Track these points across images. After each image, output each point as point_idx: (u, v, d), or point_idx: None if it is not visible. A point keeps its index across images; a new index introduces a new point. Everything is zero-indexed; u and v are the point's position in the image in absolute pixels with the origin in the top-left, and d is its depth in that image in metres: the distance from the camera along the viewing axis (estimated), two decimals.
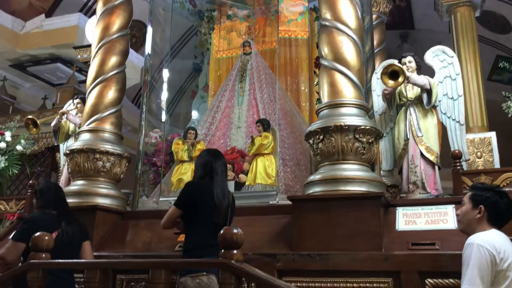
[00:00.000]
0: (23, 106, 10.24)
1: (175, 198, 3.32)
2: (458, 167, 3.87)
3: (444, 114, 4.33)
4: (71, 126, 5.81)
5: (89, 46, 6.62)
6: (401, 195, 4.35)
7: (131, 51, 6.26)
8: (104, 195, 4.49)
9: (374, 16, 6.29)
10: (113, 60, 4.87)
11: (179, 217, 3.27)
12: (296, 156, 5.69)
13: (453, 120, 4.29)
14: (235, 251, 2.57)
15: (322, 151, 3.77)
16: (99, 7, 5.07)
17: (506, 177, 3.77)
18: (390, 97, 4.47)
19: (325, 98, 3.96)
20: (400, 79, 4.12)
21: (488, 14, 8.49)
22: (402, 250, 3.31)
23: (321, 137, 3.76)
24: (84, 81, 5.55)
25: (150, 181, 6.11)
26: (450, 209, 3.53)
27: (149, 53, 5.92)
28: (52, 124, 5.88)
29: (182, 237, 3.71)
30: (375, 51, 6.07)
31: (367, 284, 3.26)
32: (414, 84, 4.29)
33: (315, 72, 6.10)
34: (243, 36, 6.97)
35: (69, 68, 9.65)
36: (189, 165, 5.66)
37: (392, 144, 4.52)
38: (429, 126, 4.26)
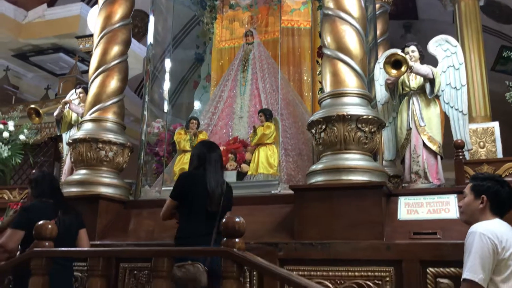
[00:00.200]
0: (25, 96, 10.26)
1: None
2: (461, 157, 3.86)
3: (447, 103, 4.31)
4: (74, 116, 5.82)
5: (92, 35, 6.59)
6: (403, 184, 4.36)
7: (133, 41, 6.24)
8: (106, 184, 4.51)
9: (377, 6, 6.25)
10: (115, 49, 4.86)
11: (175, 208, 3.33)
12: (298, 146, 5.69)
13: (456, 110, 4.27)
14: (237, 240, 2.58)
15: (324, 140, 3.77)
16: None
17: (508, 167, 3.76)
18: (393, 87, 4.46)
19: (327, 88, 3.95)
20: (403, 69, 4.11)
21: (492, 3, 8.43)
22: (404, 239, 3.32)
23: (323, 126, 3.75)
24: (87, 71, 5.55)
25: (152, 171, 6.13)
26: (452, 199, 3.53)
27: (151, 42, 5.90)
28: (55, 114, 5.89)
29: None
30: (378, 41, 6.04)
31: (369, 273, 3.27)
32: (417, 73, 4.28)
33: (317, 62, 6.08)
34: (246, 26, 6.94)
35: (71, 58, 9.65)
36: None
37: (394, 133, 4.51)
38: (432, 115, 4.25)
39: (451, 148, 4.06)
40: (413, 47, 4.43)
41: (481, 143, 5.39)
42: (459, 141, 3.98)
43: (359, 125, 3.68)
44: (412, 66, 4.21)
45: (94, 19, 5.69)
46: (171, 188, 3.39)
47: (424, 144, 4.20)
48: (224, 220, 2.62)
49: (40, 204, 3.46)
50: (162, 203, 3.46)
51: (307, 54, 6.46)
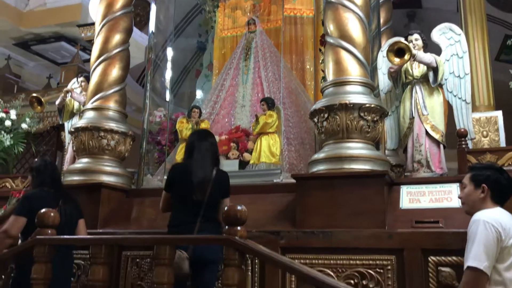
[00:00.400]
0: (27, 85, 10.25)
1: None
2: (464, 146, 3.85)
3: (450, 92, 4.29)
4: (76, 105, 5.81)
5: (93, 24, 6.56)
6: (405, 173, 4.35)
7: (135, 30, 6.22)
8: (109, 173, 4.51)
9: None
10: (117, 37, 4.83)
11: (170, 198, 3.40)
12: (300, 135, 5.68)
13: (459, 98, 4.25)
14: (239, 228, 2.58)
15: (327, 129, 3.75)
16: None
17: (511, 156, 3.74)
18: (396, 75, 4.43)
19: (330, 76, 3.93)
20: (406, 57, 4.08)
21: None
22: (406, 228, 3.32)
23: (326, 115, 3.74)
24: (88, 60, 5.53)
25: (154, 160, 6.13)
26: (454, 188, 3.52)
27: (153, 31, 5.87)
28: (57, 103, 5.89)
29: None
30: (382, 30, 5.98)
31: (370, 262, 3.28)
32: (420, 62, 4.25)
33: (320, 50, 6.03)
34: (248, 14, 6.90)
35: (73, 47, 9.62)
36: None
37: (397, 122, 4.50)
38: (435, 104, 4.23)
39: (454, 138, 4.05)
40: (416, 35, 4.39)
41: (484, 132, 5.36)
42: (462, 130, 3.96)
43: (362, 114, 3.67)
44: (416, 55, 4.18)
45: (95, 7, 5.66)
46: None
47: (427, 133, 4.19)
48: (226, 208, 2.63)
49: (41, 192, 3.47)
50: None
51: (310, 43, 6.43)
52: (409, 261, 3.17)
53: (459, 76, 4.27)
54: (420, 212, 3.44)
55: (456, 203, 3.38)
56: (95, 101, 4.71)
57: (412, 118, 4.27)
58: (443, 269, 3.09)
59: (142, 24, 9.58)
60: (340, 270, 3.33)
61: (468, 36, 5.79)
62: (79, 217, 3.60)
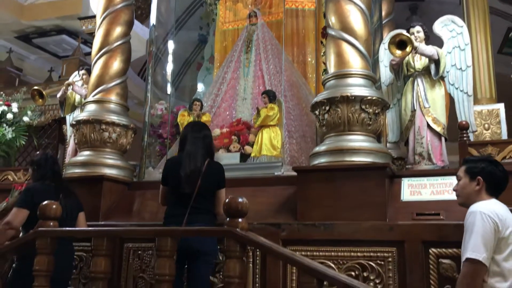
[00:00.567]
0: (29, 79, 10.25)
1: None
2: (465, 138, 3.84)
3: (452, 85, 4.28)
4: (77, 97, 5.82)
5: (94, 17, 6.55)
6: (407, 166, 4.35)
7: (136, 23, 6.21)
8: (110, 166, 4.52)
9: None
10: (118, 30, 4.83)
11: (166, 192, 3.48)
12: (302, 128, 5.67)
13: (461, 91, 4.24)
14: (240, 220, 2.60)
15: (328, 122, 3.75)
16: None
17: None
18: (397, 68, 4.42)
19: (331, 69, 3.92)
20: (408, 49, 4.07)
21: None
22: (407, 220, 3.32)
23: (327, 107, 3.74)
24: (90, 53, 5.52)
25: (156, 153, 6.13)
26: (455, 180, 3.50)
27: (154, 24, 5.86)
28: (58, 95, 5.89)
29: None
30: (383, 22, 5.96)
31: (371, 254, 3.29)
32: (422, 54, 4.24)
33: (322, 43, 6.02)
34: (249, 7, 6.87)
35: (74, 40, 9.62)
36: None
37: (399, 115, 4.49)
38: (437, 97, 4.22)
39: (455, 131, 4.04)
40: (418, 28, 4.38)
41: (486, 125, 5.35)
42: (464, 122, 3.95)
43: (363, 106, 3.66)
44: (417, 47, 4.17)
45: (96, 0, 5.65)
46: None
47: (429, 126, 4.18)
48: (227, 200, 2.64)
49: (42, 186, 3.50)
50: None
51: (311, 35, 6.41)
52: (410, 253, 3.18)
53: (461, 68, 4.26)
54: (421, 204, 3.44)
55: None
56: (96, 94, 4.71)
57: (413, 111, 4.26)
58: (444, 261, 3.10)
59: (143, 17, 9.54)
60: (341, 262, 3.35)
61: (470, 29, 5.77)
62: (79, 211, 3.63)
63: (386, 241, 3.27)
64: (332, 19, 3.96)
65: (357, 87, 3.72)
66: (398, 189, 3.64)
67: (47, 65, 10.40)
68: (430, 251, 3.15)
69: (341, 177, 3.56)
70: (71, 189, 3.68)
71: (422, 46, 4.22)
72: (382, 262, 3.25)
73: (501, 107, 5.47)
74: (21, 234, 3.45)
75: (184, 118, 5.83)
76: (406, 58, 4.32)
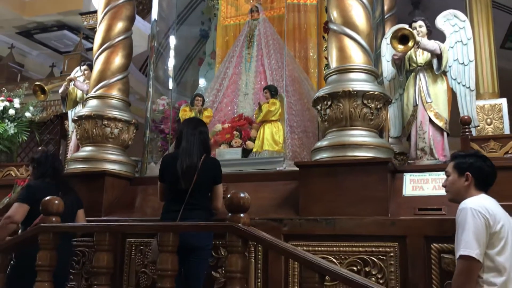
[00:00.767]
0: (31, 74, 10.24)
1: None
2: (467, 133, 3.83)
3: (454, 79, 4.26)
4: (79, 93, 5.82)
5: (96, 12, 6.54)
6: (409, 161, 4.35)
7: (138, 18, 6.20)
8: (112, 161, 4.52)
9: None
10: (119, 25, 4.82)
11: (164, 188, 3.50)
12: (303, 123, 5.67)
13: (463, 86, 4.22)
14: (241, 215, 2.60)
15: (330, 117, 3.75)
16: None
17: None
18: (399, 63, 4.41)
19: (333, 63, 3.91)
20: (410, 44, 4.05)
21: None
22: (409, 215, 3.32)
23: (329, 102, 3.73)
24: (91, 49, 5.53)
25: (158, 148, 6.14)
26: None
27: (156, 19, 5.86)
28: (60, 91, 5.90)
29: None
30: (386, 17, 5.95)
31: (373, 248, 3.29)
32: (424, 49, 4.22)
33: (324, 38, 6.01)
34: (251, 2, 6.85)
35: (76, 36, 9.60)
36: None
37: (401, 110, 4.48)
38: (439, 91, 4.21)
39: (457, 126, 4.03)
40: (420, 22, 4.36)
41: (488, 120, 5.34)
42: (466, 117, 3.94)
43: (365, 101, 3.66)
44: (419, 42, 4.15)
45: None
46: None
47: (431, 121, 4.17)
48: (228, 195, 2.64)
49: (42, 183, 3.54)
50: None
51: (313, 30, 6.39)
52: (412, 248, 3.18)
53: (463, 63, 4.24)
54: (423, 199, 3.44)
55: None
56: (98, 89, 4.71)
57: (415, 106, 4.25)
58: (445, 256, 3.10)
59: (145, 12, 9.53)
60: (343, 257, 3.35)
61: (473, 23, 5.75)
62: (78, 208, 3.66)
63: (388, 236, 3.27)
64: (334, 14, 3.95)
65: (359, 82, 3.71)
66: (400, 184, 3.64)
67: (49, 60, 10.40)
68: (432, 246, 3.14)
69: (343, 172, 3.56)
70: (71, 187, 3.71)
71: (424, 41, 4.21)
72: (384, 257, 3.26)
73: (503, 101, 5.46)
74: (20, 231, 3.47)
75: (186, 114, 5.82)
76: (408, 53, 4.31)
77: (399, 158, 5.08)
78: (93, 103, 4.68)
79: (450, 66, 4.26)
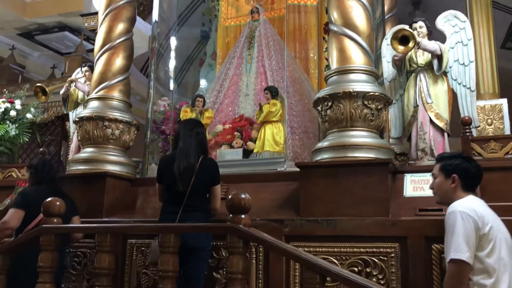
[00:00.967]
0: (32, 76, 10.27)
1: None
2: (468, 134, 3.84)
3: (455, 80, 4.26)
4: (80, 94, 5.83)
5: (96, 13, 6.56)
6: (409, 162, 4.35)
7: (138, 19, 6.21)
8: (113, 162, 4.53)
9: None
10: (120, 27, 4.83)
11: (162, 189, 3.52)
12: (304, 123, 5.68)
13: (464, 86, 4.23)
14: (243, 216, 2.61)
15: (331, 118, 3.75)
16: None
17: None
18: (400, 63, 4.41)
19: (334, 64, 3.92)
20: (411, 45, 4.06)
21: None
22: (410, 215, 3.33)
23: (330, 103, 3.73)
24: (92, 50, 5.53)
25: (159, 149, 6.14)
26: None
27: (157, 20, 5.86)
28: (61, 92, 5.91)
29: None
30: (386, 17, 5.96)
31: (374, 249, 3.29)
32: (425, 49, 4.23)
33: (324, 39, 6.02)
34: (252, 3, 6.86)
35: (77, 37, 9.62)
36: None
37: (401, 111, 4.48)
38: (439, 92, 4.22)
39: (458, 126, 4.04)
40: (421, 23, 4.36)
41: (489, 120, 5.35)
42: (467, 117, 3.94)
43: (366, 102, 3.66)
44: (420, 42, 4.16)
45: None
46: None
47: (431, 121, 4.18)
48: (230, 196, 2.65)
49: (38, 190, 3.56)
50: None
51: (314, 31, 6.40)
52: (413, 248, 3.18)
53: (463, 63, 4.25)
54: (424, 200, 3.43)
55: None
56: (99, 90, 4.72)
57: (416, 106, 4.25)
58: None
59: (146, 13, 9.55)
60: (344, 258, 3.35)
61: (473, 23, 5.76)
62: (74, 214, 3.67)
63: (389, 237, 3.27)
64: (334, 15, 3.95)
65: (360, 83, 3.71)
66: (400, 184, 3.64)
67: (50, 62, 10.42)
68: (432, 246, 3.14)
69: (343, 173, 3.56)
70: (67, 193, 3.72)
71: (425, 42, 4.21)
72: (385, 258, 3.26)
73: (504, 102, 5.47)
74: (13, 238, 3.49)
75: (187, 114, 5.82)
76: (409, 54, 4.31)
77: (400, 159, 5.08)
78: (94, 104, 4.69)
79: (450, 67, 4.26)
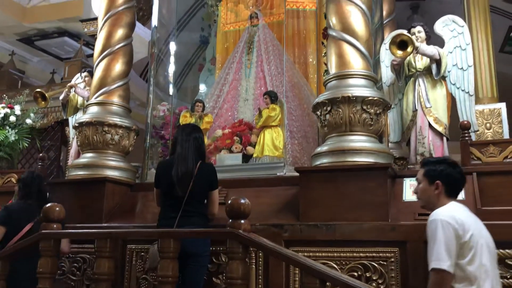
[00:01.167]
0: (31, 81, 10.28)
1: None
2: (467, 138, 3.84)
3: (454, 84, 4.28)
4: (80, 100, 5.84)
5: (96, 19, 6.57)
6: (408, 166, 4.36)
7: (138, 24, 6.23)
8: (113, 167, 4.53)
9: None
10: (119, 32, 4.84)
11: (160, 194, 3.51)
12: (303, 128, 5.69)
13: (463, 90, 4.25)
14: (242, 221, 2.61)
15: (330, 122, 3.76)
16: None
17: None
18: (398, 68, 4.43)
19: (332, 69, 3.93)
20: (409, 49, 4.07)
21: None
22: (409, 220, 3.32)
23: (329, 108, 3.74)
24: (92, 55, 5.55)
25: (158, 154, 6.15)
26: None
27: (156, 25, 5.88)
28: (61, 98, 5.92)
29: None
30: (384, 22, 5.98)
31: (374, 254, 3.29)
32: (423, 54, 4.24)
33: (323, 43, 6.03)
34: (251, 8, 6.88)
35: (76, 42, 9.64)
36: None
37: (400, 115, 4.50)
38: (438, 97, 4.23)
39: (457, 131, 4.05)
40: (419, 28, 4.38)
41: (488, 124, 5.36)
42: (465, 122, 3.95)
43: (365, 107, 3.67)
44: (418, 47, 4.17)
45: (98, 2, 5.67)
46: None
47: (430, 126, 4.19)
48: (229, 202, 2.65)
49: (23, 205, 3.56)
50: None
51: (313, 36, 6.42)
52: (412, 253, 3.17)
53: (462, 68, 4.27)
54: None
55: (459, 196, 3.38)
56: (98, 96, 4.72)
57: (415, 111, 4.27)
58: None
59: (145, 18, 9.57)
60: (343, 263, 3.35)
61: (471, 28, 5.78)
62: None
63: (389, 242, 3.27)
64: (333, 20, 3.97)
65: (358, 88, 3.72)
66: (400, 189, 3.64)
67: (50, 67, 10.44)
68: None
69: (343, 177, 3.56)
70: None
71: (423, 46, 4.23)
72: (385, 263, 3.26)
73: (502, 106, 5.48)
74: None
75: (186, 119, 5.84)
76: (408, 58, 4.33)
77: (399, 163, 5.10)
78: (93, 109, 4.69)
79: (449, 71, 4.28)
